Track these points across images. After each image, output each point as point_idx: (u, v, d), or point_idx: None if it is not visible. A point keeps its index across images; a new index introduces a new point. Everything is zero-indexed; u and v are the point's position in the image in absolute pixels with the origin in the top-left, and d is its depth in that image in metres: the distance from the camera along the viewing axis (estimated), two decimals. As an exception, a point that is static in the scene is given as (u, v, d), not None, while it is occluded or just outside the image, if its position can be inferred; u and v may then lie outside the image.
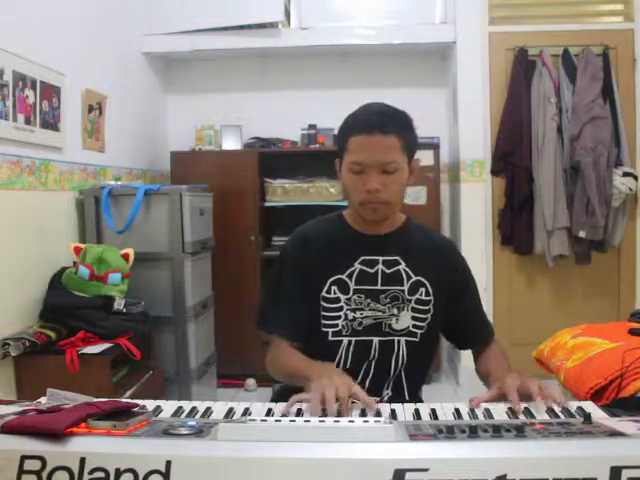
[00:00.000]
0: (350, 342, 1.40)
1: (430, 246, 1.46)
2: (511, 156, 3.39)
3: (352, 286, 1.39)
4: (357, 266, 1.40)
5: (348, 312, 1.40)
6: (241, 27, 3.56)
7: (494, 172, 3.50)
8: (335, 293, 1.39)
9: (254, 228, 3.51)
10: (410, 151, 1.35)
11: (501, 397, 1.14)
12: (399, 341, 1.41)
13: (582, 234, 3.28)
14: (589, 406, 1.10)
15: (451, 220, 3.83)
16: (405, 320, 1.41)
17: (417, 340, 1.42)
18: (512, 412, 1.07)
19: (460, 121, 3.48)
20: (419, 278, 1.41)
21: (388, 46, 3.61)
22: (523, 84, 3.36)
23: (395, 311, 1.40)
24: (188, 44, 3.57)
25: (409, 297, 1.40)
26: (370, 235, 1.43)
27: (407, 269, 1.41)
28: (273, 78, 3.88)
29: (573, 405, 1.10)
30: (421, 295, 1.41)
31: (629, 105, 3.41)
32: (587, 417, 0.93)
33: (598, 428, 0.88)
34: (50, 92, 2.48)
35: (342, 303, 1.40)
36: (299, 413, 1.11)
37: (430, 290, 1.41)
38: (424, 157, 3.47)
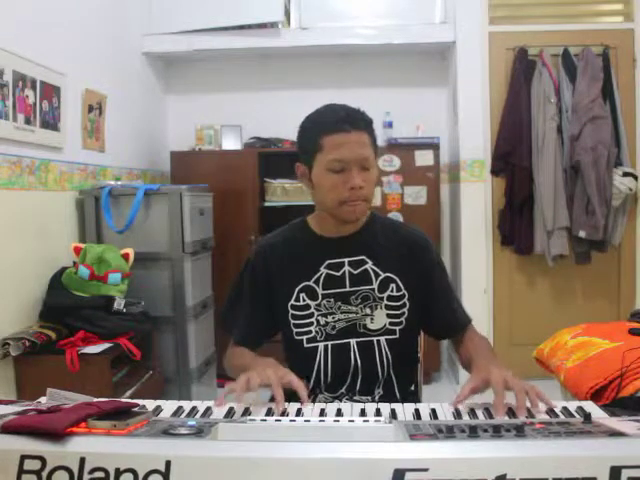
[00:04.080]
0: (327, 347, 1.40)
1: (396, 241, 1.43)
2: (511, 156, 3.39)
3: (320, 291, 1.39)
4: (323, 270, 1.39)
5: (319, 317, 1.40)
6: (241, 27, 3.56)
7: (494, 172, 3.50)
8: (304, 300, 1.40)
9: (254, 228, 3.51)
10: (376, 148, 1.36)
11: (484, 388, 1.12)
12: (379, 341, 1.40)
13: (582, 234, 3.28)
14: (589, 406, 1.10)
15: (451, 220, 3.83)
16: (380, 319, 1.40)
17: (397, 337, 1.41)
18: (512, 412, 1.07)
19: (460, 121, 3.48)
20: (388, 275, 1.39)
21: (388, 46, 3.61)
22: (523, 84, 3.36)
23: (368, 311, 1.39)
24: (188, 44, 3.57)
25: (380, 295, 1.39)
26: (333, 238, 1.42)
27: (374, 267, 1.40)
28: (273, 78, 3.89)
29: (573, 405, 1.10)
30: (392, 291, 1.39)
31: (629, 105, 3.40)
32: (587, 417, 0.93)
33: (598, 428, 0.88)
34: (50, 92, 2.48)
35: (312, 309, 1.40)
36: (299, 413, 1.11)
37: (401, 285, 1.40)
38: (424, 157, 3.48)
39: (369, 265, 1.40)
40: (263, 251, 1.46)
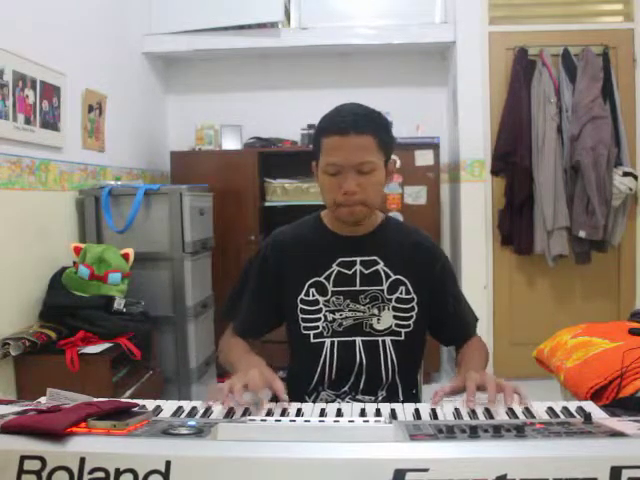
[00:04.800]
0: (333, 343, 1.41)
1: (409, 244, 1.44)
2: (511, 156, 3.39)
3: (330, 288, 1.39)
4: (335, 268, 1.40)
5: (327, 313, 1.40)
6: (241, 27, 3.56)
7: (494, 172, 3.49)
8: (314, 295, 1.40)
9: (254, 228, 3.51)
10: (386, 151, 1.34)
11: (462, 389, 1.16)
12: (384, 341, 1.41)
13: (582, 234, 3.28)
14: (589, 406, 1.10)
15: (451, 220, 3.83)
16: (387, 320, 1.40)
17: (403, 339, 1.41)
18: (511, 412, 1.07)
19: (460, 121, 3.48)
20: (398, 277, 1.40)
21: (388, 46, 3.61)
22: (523, 84, 3.36)
23: (375, 311, 1.40)
24: (188, 44, 3.57)
25: (389, 296, 1.40)
26: (347, 236, 1.42)
27: (385, 268, 1.40)
28: (273, 78, 3.89)
29: (573, 405, 1.10)
30: (401, 294, 1.40)
31: (629, 105, 3.40)
32: (587, 417, 0.93)
33: (598, 428, 0.88)
34: (50, 92, 2.48)
35: (321, 305, 1.40)
36: (299, 413, 1.11)
37: (411, 288, 1.40)
38: (424, 157, 3.48)
39: (380, 266, 1.40)
40: (276, 243, 1.47)
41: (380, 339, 1.41)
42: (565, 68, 3.34)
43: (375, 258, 1.40)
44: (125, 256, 2.50)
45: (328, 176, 1.31)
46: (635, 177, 3.29)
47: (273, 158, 3.69)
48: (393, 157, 1.39)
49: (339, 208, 1.33)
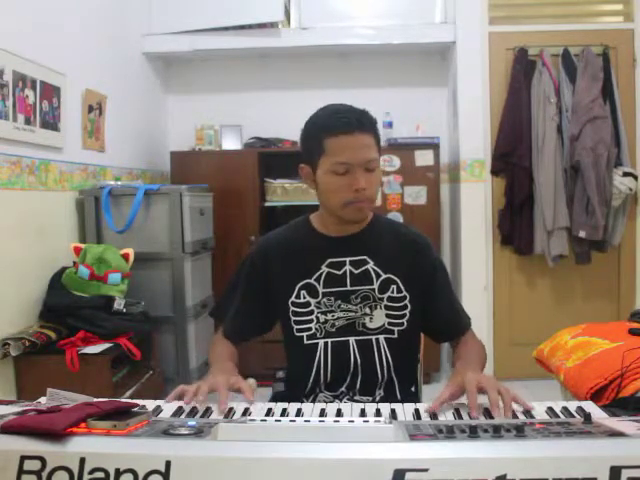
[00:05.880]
0: (326, 344, 1.41)
1: (398, 242, 1.44)
2: (511, 156, 3.39)
3: (321, 289, 1.40)
4: (324, 269, 1.40)
5: (319, 315, 1.40)
6: (241, 27, 3.56)
7: (494, 172, 3.49)
8: (305, 297, 1.40)
9: (254, 228, 3.51)
10: (379, 149, 1.36)
11: (461, 394, 1.14)
12: (377, 340, 1.41)
13: (582, 234, 3.28)
14: (589, 406, 1.10)
15: (451, 220, 3.83)
16: (379, 318, 1.40)
17: (396, 337, 1.41)
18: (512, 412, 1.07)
19: (460, 121, 3.48)
20: (389, 275, 1.40)
21: (388, 46, 3.61)
22: (523, 84, 3.36)
23: (367, 310, 1.40)
24: (188, 44, 3.57)
25: (380, 295, 1.40)
26: (336, 237, 1.42)
27: (376, 267, 1.40)
28: (273, 78, 3.89)
29: (573, 405, 1.10)
30: (393, 292, 1.40)
31: (629, 105, 3.40)
32: (587, 417, 0.93)
33: (598, 428, 0.88)
34: (50, 92, 2.48)
35: (312, 307, 1.40)
36: (299, 413, 1.11)
37: (402, 287, 1.40)
38: (424, 157, 3.48)
39: (370, 265, 1.40)
40: (264, 248, 1.48)
41: (374, 338, 1.41)
42: (565, 68, 3.34)
43: (364, 257, 1.40)
44: (125, 256, 2.50)
45: (336, 176, 1.31)
46: (635, 177, 3.29)
47: (273, 158, 3.69)
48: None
49: (347, 207, 1.33)
